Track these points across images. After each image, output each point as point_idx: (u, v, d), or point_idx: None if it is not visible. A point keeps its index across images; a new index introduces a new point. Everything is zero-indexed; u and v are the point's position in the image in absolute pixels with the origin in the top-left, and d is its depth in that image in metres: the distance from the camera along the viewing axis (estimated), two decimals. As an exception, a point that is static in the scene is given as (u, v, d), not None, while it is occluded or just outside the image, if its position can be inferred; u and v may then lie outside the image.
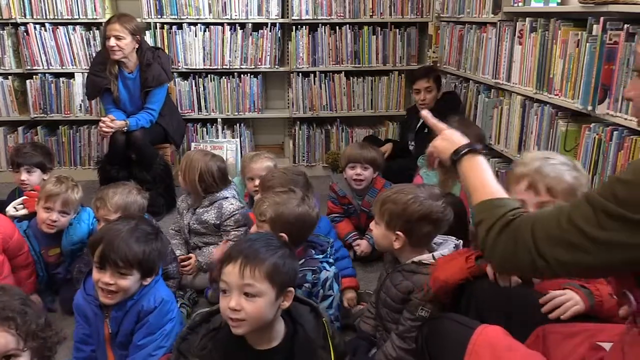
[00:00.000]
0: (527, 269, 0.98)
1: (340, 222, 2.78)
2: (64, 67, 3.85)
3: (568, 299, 1.37)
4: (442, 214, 1.69)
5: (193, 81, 3.96)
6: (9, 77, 3.85)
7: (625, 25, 1.97)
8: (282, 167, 2.58)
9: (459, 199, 2.29)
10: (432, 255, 1.68)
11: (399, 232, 1.69)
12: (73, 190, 2.19)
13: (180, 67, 3.91)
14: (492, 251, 1.04)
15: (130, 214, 2.04)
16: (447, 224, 1.73)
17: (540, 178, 1.51)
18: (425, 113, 1.50)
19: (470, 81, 3.38)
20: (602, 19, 2.05)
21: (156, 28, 3.82)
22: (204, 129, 4.08)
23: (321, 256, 1.87)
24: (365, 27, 3.97)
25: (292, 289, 1.35)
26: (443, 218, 1.70)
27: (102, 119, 3.15)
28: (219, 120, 4.06)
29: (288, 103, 4.18)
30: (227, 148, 3.98)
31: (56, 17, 3.76)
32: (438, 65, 3.88)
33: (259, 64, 3.97)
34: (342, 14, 3.92)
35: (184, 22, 3.85)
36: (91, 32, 3.82)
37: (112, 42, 3.12)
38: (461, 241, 1.79)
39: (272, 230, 1.79)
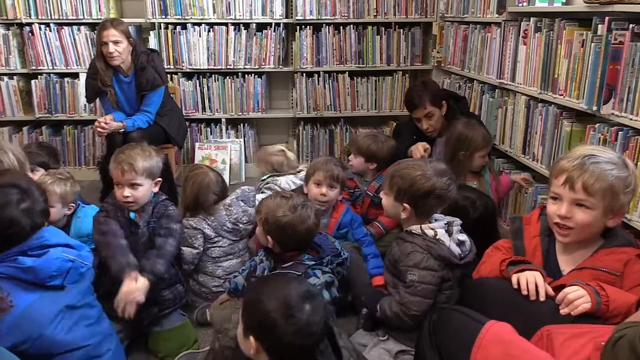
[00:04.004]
0: None
1: None
2: (68, 67, 3.87)
3: (579, 295, 1.38)
4: (446, 190, 1.85)
5: (197, 81, 3.96)
6: (14, 77, 3.86)
7: (631, 25, 1.96)
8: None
9: (490, 199, 2.34)
10: (420, 227, 1.84)
11: (405, 204, 1.86)
12: (54, 183, 2.18)
13: (184, 67, 3.92)
14: None
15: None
16: (451, 198, 1.89)
17: (578, 175, 1.49)
18: None
19: (475, 81, 3.37)
20: (607, 18, 2.04)
21: (160, 28, 3.83)
22: (208, 129, 4.08)
23: (312, 263, 1.85)
24: (369, 27, 3.96)
25: None
26: (446, 194, 1.86)
27: (99, 119, 3.17)
28: (223, 120, 4.07)
29: (292, 103, 4.18)
30: (231, 148, 3.99)
31: (61, 17, 3.78)
32: (442, 65, 3.88)
33: (263, 64, 3.97)
34: (346, 14, 3.92)
35: (188, 22, 3.85)
36: (95, 32, 3.82)
37: (112, 47, 3.09)
38: (459, 220, 1.91)
39: (262, 230, 1.90)
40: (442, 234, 1.83)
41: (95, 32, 3.79)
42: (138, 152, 2.09)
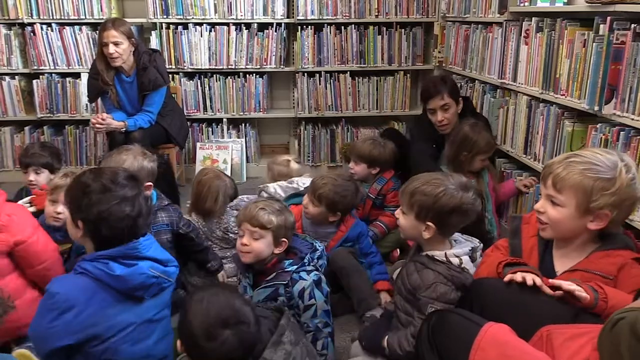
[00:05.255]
0: None
1: None
2: (70, 67, 3.87)
3: (576, 288, 1.38)
4: (472, 205, 1.70)
5: (199, 81, 3.97)
6: (16, 77, 3.87)
7: (632, 25, 1.96)
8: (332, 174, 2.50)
9: (479, 198, 2.34)
10: (445, 253, 1.69)
11: (429, 223, 1.69)
12: None
13: (185, 67, 3.92)
14: None
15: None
16: (476, 213, 1.74)
17: (551, 171, 1.51)
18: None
19: (476, 81, 3.37)
20: (609, 18, 2.04)
21: (162, 28, 3.83)
22: (210, 129, 4.09)
23: (295, 267, 1.85)
24: (371, 27, 3.96)
25: None
26: (473, 209, 1.71)
27: (95, 115, 3.17)
28: (225, 120, 4.07)
29: (293, 103, 4.18)
30: (233, 148, 3.99)
31: (63, 17, 3.78)
32: (444, 65, 3.88)
33: (265, 64, 3.97)
34: (347, 14, 3.91)
35: (189, 22, 3.86)
36: (97, 32, 3.83)
37: (112, 48, 3.10)
38: (481, 245, 1.79)
39: (275, 237, 1.85)
40: (466, 261, 1.71)
41: (97, 32, 3.82)
42: (114, 159, 2.07)
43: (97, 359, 1.47)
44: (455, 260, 1.68)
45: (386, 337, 1.76)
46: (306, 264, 1.87)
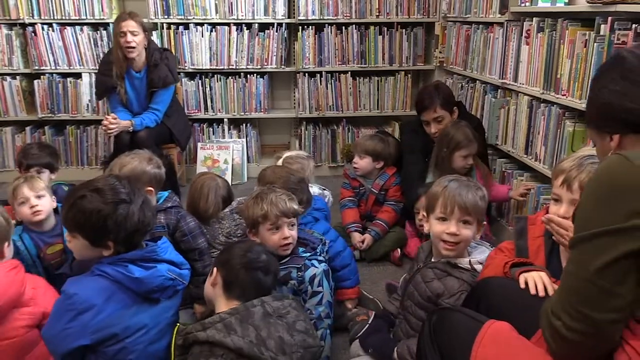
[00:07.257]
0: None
1: (349, 209, 2.86)
2: (71, 67, 3.88)
3: None
4: None
5: (199, 81, 3.97)
6: (17, 77, 3.87)
7: (634, 25, 1.96)
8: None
9: None
10: (469, 261, 1.71)
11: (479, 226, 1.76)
12: (32, 178, 2.16)
13: (186, 67, 3.92)
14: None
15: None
16: None
17: (575, 175, 1.48)
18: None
19: (477, 81, 3.36)
20: (610, 18, 2.04)
21: (163, 28, 3.84)
22: (210, 129, 4.09)
23: (308, 254, 1.91)
24: (372, 27, 3.96)
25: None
26: None
27: (106, 116, 3.17)
28: (225, 120, 4.07)
29: (294, 103, 4.18)
30: (233, 148, 4.00)
31: (64, 17, 3.79)
32: (444, 65, 3.87)
33: (265, 64, 3.97)
34: (348, 14, 3.92)
35: (190, 23, 3.86)
36: (98, 32, 3.84)
37: (130, 37, 3.12)
38: (492, 248, 1.81)
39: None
40: None
41: (98, 31, 3.83)
42: (121, 161, 2.12)
43: (111, 358, 1.49)
44: (479, 267, 1.70)
45: (396, 348, 1.75)
46: (318, 254, 1.94)
